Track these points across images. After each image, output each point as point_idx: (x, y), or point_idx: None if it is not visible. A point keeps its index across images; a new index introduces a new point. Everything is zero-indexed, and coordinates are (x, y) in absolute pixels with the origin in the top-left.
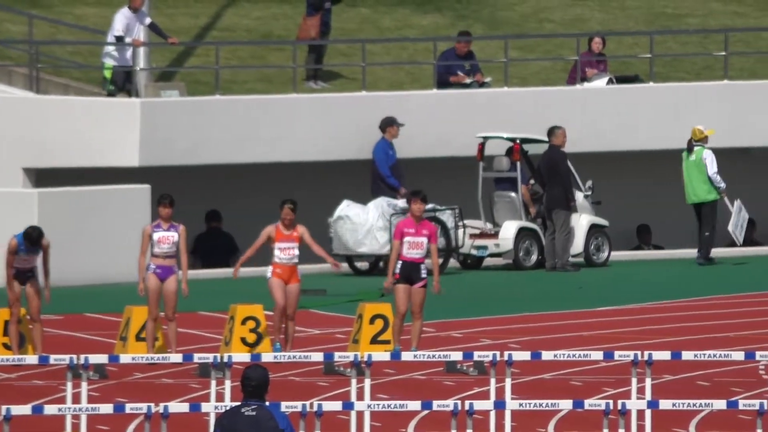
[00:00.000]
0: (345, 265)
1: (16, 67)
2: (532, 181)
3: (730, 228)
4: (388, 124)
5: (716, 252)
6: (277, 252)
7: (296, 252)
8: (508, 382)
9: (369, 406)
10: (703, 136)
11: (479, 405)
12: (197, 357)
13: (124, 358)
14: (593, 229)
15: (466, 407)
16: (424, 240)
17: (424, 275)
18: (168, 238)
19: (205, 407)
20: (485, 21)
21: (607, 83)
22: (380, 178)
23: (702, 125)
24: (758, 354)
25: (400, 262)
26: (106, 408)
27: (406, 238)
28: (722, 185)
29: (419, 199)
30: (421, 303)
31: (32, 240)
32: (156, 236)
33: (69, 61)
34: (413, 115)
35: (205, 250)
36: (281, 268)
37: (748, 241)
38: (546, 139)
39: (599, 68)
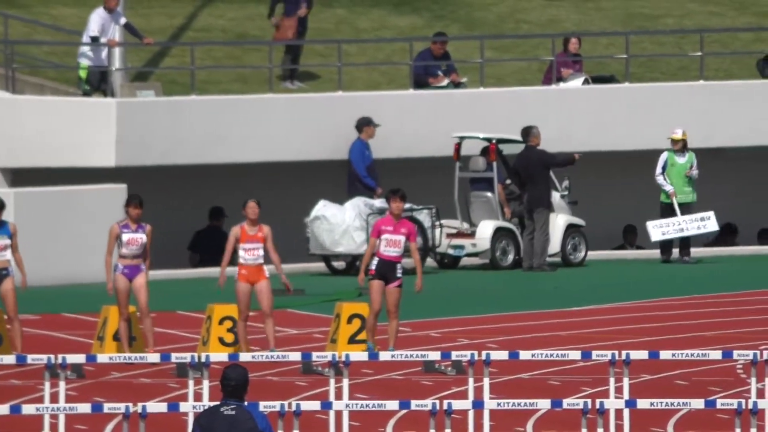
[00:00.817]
0: (321, 265)
1: None
2: (508, 181)
3: (649, 222)
4: (365, 124)
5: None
6: (241, 252)
7: (261, 252)
8: (486, 382)
9: (347, 405)
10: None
11: (457, 405)
12: (175, 357)
13: (102, 358)
14: (570, 229)
15: (445, 407)
16: (402, 238)
17: (399, 275)
18: (136, 239)
19: (184, 407)
20: (462, 21)
21: (583, 83)
22: (357, 178)
23: (680, 129)
24: (736, 353)
25: (377, 259)
26: (84, 407)
27: (384, 236)
28: (670, 188)
29: (398, 197)
30: (397, 302)
31: None
32: (125, 237)
33: (45, 61)
34: (389, 115)
35: (203, 247)
36: (247, 269)
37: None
38: (521, 139)
39: (575, 68)
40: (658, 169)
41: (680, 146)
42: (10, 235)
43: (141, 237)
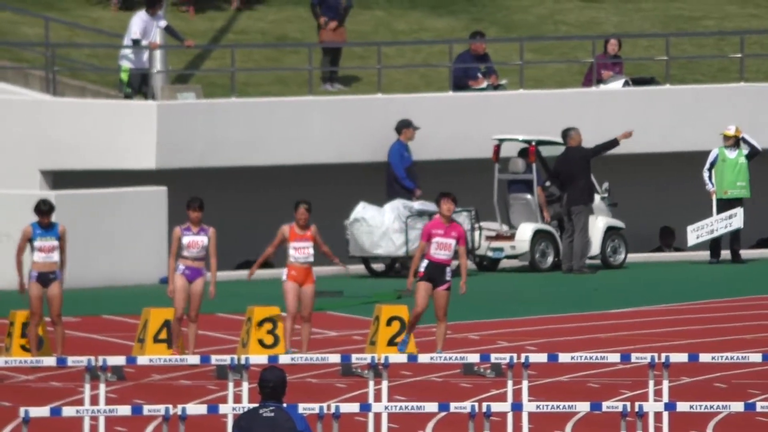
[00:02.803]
0: (361, 267)
1: (32, 69)
2: (547, 183)
3: (689, 227)
4: (404, 126)
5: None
6: (292, 251)
7: (311, 251)
8: (525, 384)
9: (386, 407)
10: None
11: (496, 407)
12: (215, 359)
13: (142, 360)
14: (610, 231)
15: (483, 409)
16: (453, 242)
17: (448, 278)
18: (197, 242)
19: (223, 409)
20: (500, 24)
21: (623, 86)
22: (395, 180)
23: (733, 125)
24: None
25: (426, 261)
26: (124, 410)
27: (435, 239)
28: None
29: (450, 199)
30: (445, 306)
31: (42, 212)
32: (185, 240)
33: (85, 64)
34: (428, 117)
35: None
36: (296, 270)
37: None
38: (561, 141)
39: (615, 70)
40: (707, 164)
41: (732, 142)
42: (59, 237)
43: (202, 239)
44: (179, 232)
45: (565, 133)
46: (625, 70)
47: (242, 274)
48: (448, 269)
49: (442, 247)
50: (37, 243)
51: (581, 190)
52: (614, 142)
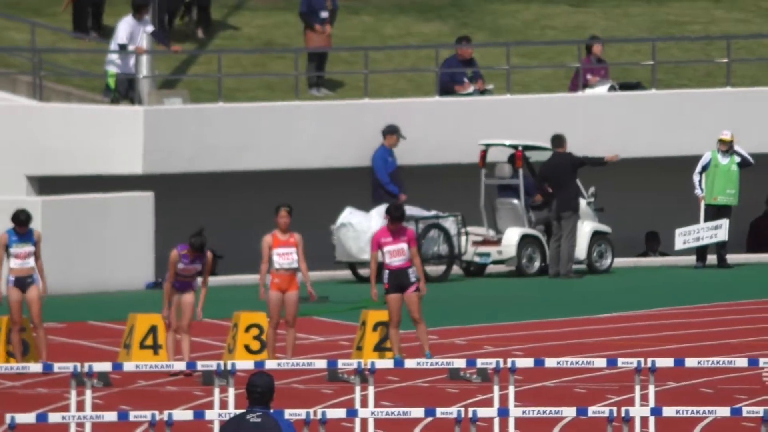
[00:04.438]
0: (347, 272)
1: (19, 74)
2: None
3: (677, 230)
4: (390, 132)
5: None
6: (276, 258)
7: (295, 257)
8: (511, 390)
9: (373, 413)
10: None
11: (483, 412)
12: (201, 364)
13: (128, 366)
14: (596, 236)
15: (470, 414)
16: (404, 245)
17: (413, 279)
18: (190, 269)
19: (209, 415)
20: (487, 28)
21: (609, 90)
22: (379, 185)
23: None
24: (762, 361)
25: (387, 271)
26: (110, 416)
27: (386, 248)
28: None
29: (395, 219)
30: (419, 307)
31: (20, 221)
32: (180, 266)
33: (71, 69)
34: (415, 122)
35: None
36: (280, 278)
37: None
38: (547, 146)
39: (600, 74)
40: (698, 168)
41: (726, 148)
42: (35, 242)
43: (197, 267)
44: (176, 257)
45: (558, 139)
46: (611, 75)
47: (226, 279)
48: (410, 271)
49: (395, 254)
50: (13, 250)
51: (569, 197)
52: (601, 161)
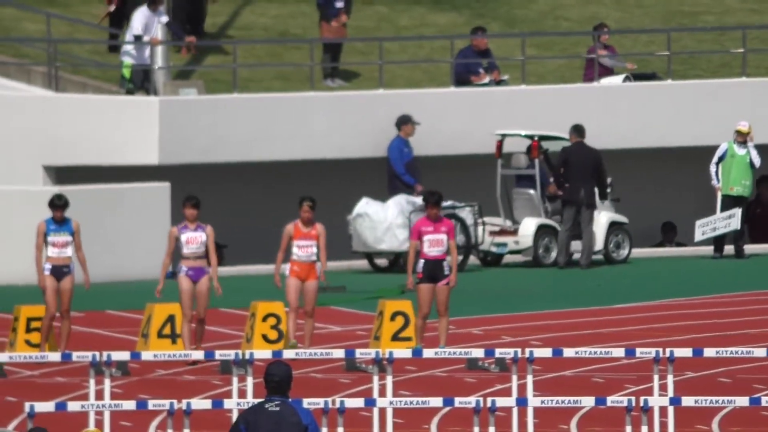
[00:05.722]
0: (364, 262)
1: (34, 65)
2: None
3: (697, 221)
4: (403, 122)
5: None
6: (295, 249)
7: (314, 250)
8: (529, 379)
9: (391, 402)
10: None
11: (501, 402)
12: (219, 354)
13: (146, 355)
14: (613, 226)
15: (488, 404)
16: (444, 237)
17: (447, 272)
18: (196, 238)
19: (228, 404)
20: (502, 19)
21: (624, 80)
22: (395, 175)
23: (746, 121)
24: None
25: (422, 260)
26: (129, 405)
27: (426, 237)
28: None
29: (432, 205)
30: (447, 300)
31: (56, 206)
32: (184, 237)
33: (87, 60)
34: (430, 112)
35: None
36: (299, 266)
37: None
38: (563, 135)
39: (611, 50)
40: (715, 158)
41: (743, 139)
42: (73, 232)
43: (201, 235)
44: (176, 232)
45: (579, 129)
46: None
47: (243, 269)
48: (445, 264)
49: (434, 244)
50: (50, 238)
51: (593, 190)
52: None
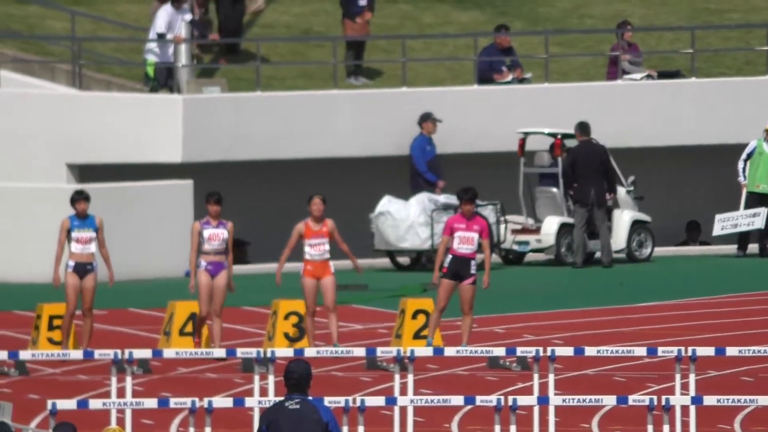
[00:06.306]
0: (386, 260)
1: (59, 63)
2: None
3: (717, 215)
4: (424, 119)
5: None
6: (307, 249)
7: (326, 247)
8: (551, 378)
9: (412, 401)
10: None
11: (522, 400)
12: (240, 352)
13: (168, 353)
14: (636, 225)
15: (510, 403)
16: (475, 235)
17: (473, 271)
18: (218, 234)
19: (249, 402)
20: (525, 17)
21: (644, 78)
22: (417, 173)
23: None
24: None
25: (450, 256)
26: (151, 402)
27: (458, 233)
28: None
29: (468, 201)
30: (471, 299)
31: (77, 199)
32: (206, 233)
33: (111, 58)
34: (454, 110)
35: None
36: (312, 265)
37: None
38: (580, 132)
39: (633, 53)
40: (743, 155)
41: None
42: (96, 228)
43: (222, 232)
44: (199, 227)
45: (584, 127)
46: (650, 64)
47: (265, 267)
48: (472, 263)
49: (464, 241)
50: (74, 234)
51: (603, 188)
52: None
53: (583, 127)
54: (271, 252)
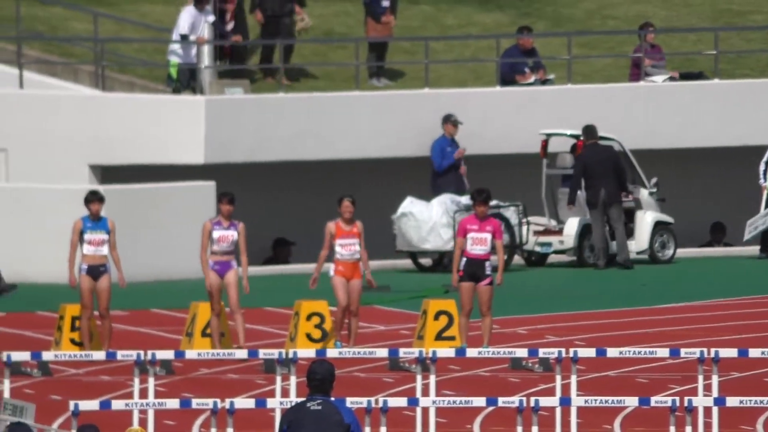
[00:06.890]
0: (408, 261)
1: (81, 64)
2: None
3: (749, 221)
4: (444, 121)
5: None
6: (338, 249)
7: (357, 248)
8: (573, 379)
9: (434, 402)
10: None
11: (545, 402)
12: (262, 353)
13: (190, 354)
14: (658, 226)
15: (532, 404)
16: (488, 236)
17: (489, 272)
18: (227, 236)
19: (271, 403)
20: (548, 18)
21: (667, 80)
22: (435, 173)
23: None
24: None
25: (465, 258)
26: (173, 403)
27: (470, 234)
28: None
29: (481, 202)
30: (489, 300)
31: (90, 200)
32: (216, 234)
33: (134, 59)
34: (476, 112)
35: None
36: (343, 265)
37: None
38: (610, 135)
39: (656, 58)
40: (765, 157)
41: None
42: (108, 231)
43: (232, 234)
44: (210, 226)
45: (591, 130)
46: (672, 65)
47: (287, 268)
48: (487, 264)
49: (477, 243)
50: (87, 236)
51: (615, 188)
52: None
53: (588, 131)
54: (292, 253)
